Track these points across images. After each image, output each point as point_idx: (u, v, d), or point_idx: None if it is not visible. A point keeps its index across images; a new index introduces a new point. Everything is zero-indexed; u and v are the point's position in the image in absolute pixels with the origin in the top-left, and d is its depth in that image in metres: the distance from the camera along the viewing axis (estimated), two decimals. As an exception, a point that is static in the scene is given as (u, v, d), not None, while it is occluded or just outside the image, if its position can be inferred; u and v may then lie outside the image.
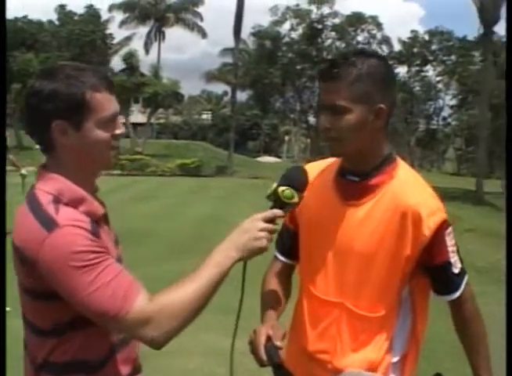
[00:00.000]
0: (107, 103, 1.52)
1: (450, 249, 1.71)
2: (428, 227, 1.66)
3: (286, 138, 65.37)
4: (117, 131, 1.57)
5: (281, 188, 1.64)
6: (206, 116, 67.12)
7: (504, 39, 37.46)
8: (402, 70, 46.93)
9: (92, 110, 1.48)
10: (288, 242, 2.00)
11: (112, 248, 1.57)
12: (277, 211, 1.61)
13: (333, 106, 1.67)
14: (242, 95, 55.25)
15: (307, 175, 1.73)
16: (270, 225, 1.57)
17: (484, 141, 22.93)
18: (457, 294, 1.75)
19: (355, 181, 1.78)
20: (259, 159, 47.34)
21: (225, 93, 66.36)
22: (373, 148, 1.76)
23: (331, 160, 1.94)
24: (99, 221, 1.54)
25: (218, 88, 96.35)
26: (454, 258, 1.72)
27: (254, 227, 1.54)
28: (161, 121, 60.24)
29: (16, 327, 2.01)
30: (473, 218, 15.03)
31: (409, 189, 1.73)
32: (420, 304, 1.80)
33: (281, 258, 2.03)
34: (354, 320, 1.76)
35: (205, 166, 29.91)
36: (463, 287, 1.75)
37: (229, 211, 13.58)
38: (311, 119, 52.98)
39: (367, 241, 1.73)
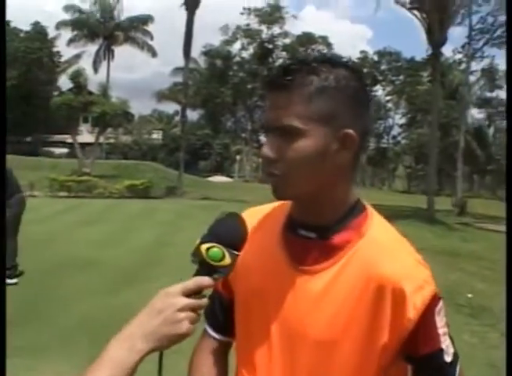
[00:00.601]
0: None
1: (441, 331, 1.22)
2: (414, 307, 1.17)
3: (238, 157, 65.16)
4: None
5: (205, 245, 1.15)
6: (156, 135, 66.31)
7: (451, 60, 38.37)
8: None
9: None
10: (221, 314, 1.49)
11: None
12: (203, 280, 1.14)
13: (281, 127, 1.18)
14: (193, 115, 55.27)
15: (245, 226, 1.23)
16: (193, 302, 1.11)
17: (433, 159, 23.09)
18: None
19: (310, 238, 1.28)
20: (210, 179, 47.04)
21: (177, 113, 65.94)
22: (334, 192, 1.26)
23: (276, 204, 1.43)
24: None
25: (170, 107, 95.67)
26: (446, 343, 1.22)
27: (170, 306, 1.09)
28: (111, 140, 59.33)
29: None
30: (426, 236, 14.96)
31: (385, 252, 1.24)
32: None
33: (213, 334, 1.50)
34: None
35: (155, 187, 29.33)
36: None
37: (179, 235, 13.11)
38: (263, 138, 53.03)
39: (328, 324, 1.23)
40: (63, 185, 27.18)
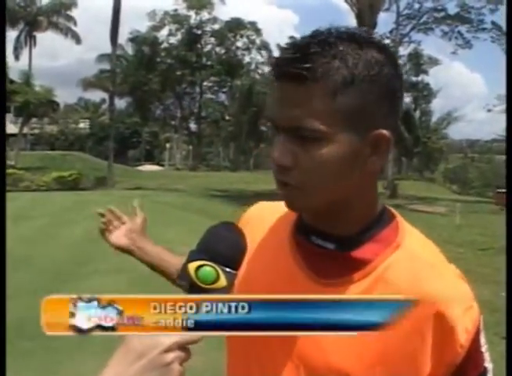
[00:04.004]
0: None
1: (484, 349, 1.00)
2: (466, 331, 0.95)
3: (168, 145, 64.48)
4: None
5: (194, 263, 0.90)
6: (83, 125, 64.76)
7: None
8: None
9: None
10: None
11: None
12: None
13: (297, 129, 0.92)
14: (121, 103, 54.23)
15: (244, 238, 0.97)
16: (182, 337, 0.83)
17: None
18: None
19: (327, 249, 1.03)
20: (140, 168, 46.36)
21: (103, 101, 64.58)
22: (360, 201, 1.02)
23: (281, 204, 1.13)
24: None
25: (96, 95, 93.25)
26: (488, 359, 1.01)
27: (153, 346, 0.81)
28: (36, 131, 57.53)
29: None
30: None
31: (428, 268, 1.00)
32: None
33: None
34: None
35: (84, 178, 28.56)
36: None
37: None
38: (193, 126, 52.77)
39: (357, 355, 0.97)
40: (-14, 178, 26.07)
